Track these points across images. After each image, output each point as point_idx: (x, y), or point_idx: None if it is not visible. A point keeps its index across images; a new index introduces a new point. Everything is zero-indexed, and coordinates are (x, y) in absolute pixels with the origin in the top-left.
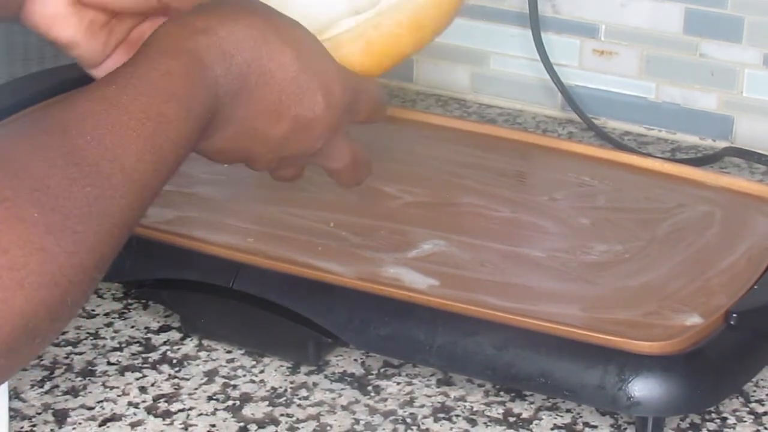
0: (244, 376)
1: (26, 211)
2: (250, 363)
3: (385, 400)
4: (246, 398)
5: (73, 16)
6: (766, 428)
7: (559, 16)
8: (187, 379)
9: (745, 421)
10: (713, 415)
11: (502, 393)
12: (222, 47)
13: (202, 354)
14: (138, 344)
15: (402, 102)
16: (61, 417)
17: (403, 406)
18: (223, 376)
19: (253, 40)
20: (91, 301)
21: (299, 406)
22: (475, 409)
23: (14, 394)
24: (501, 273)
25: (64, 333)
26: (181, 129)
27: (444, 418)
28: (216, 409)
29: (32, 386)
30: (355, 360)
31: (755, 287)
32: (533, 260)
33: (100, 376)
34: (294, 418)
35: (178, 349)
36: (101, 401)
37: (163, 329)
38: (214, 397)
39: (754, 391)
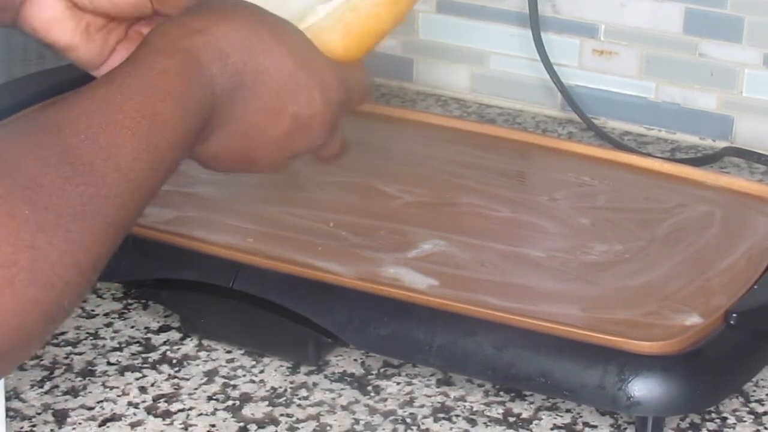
0: (244, 376)
1: (17, 209)
2: (250, 363)
3: (385, 400)
4: (246, 398)
5: (70, 19)
6: (766, 428)
7: (559, 16)
8: (187, 379)
9: (745, 421)
10: (713, 415)
11: (501, 393)
12: (218, 46)
13: (202, 354)
14: (138, 344)
15: (402, 102)
16: (60, 417)
17: (403, 406)
18: (223, 376)
19: (249, 39)
20: (90, 301)
21: (299, 406)
22: (475, 409)
23: (14, 394)
24: (501, 273)
25: (63, 333)
26: (177, 128)
27: (444, 418)
28: (216, 409)
29: (32, 386)
30: (355, 360)
31: (755, 287)
32: (533, 260)
33: (100, 376)
34: (294, 418)
35: (178, 349)
36: (101, 401)
37: (162, 329)
38: (214, 397)
39: (754, 391)
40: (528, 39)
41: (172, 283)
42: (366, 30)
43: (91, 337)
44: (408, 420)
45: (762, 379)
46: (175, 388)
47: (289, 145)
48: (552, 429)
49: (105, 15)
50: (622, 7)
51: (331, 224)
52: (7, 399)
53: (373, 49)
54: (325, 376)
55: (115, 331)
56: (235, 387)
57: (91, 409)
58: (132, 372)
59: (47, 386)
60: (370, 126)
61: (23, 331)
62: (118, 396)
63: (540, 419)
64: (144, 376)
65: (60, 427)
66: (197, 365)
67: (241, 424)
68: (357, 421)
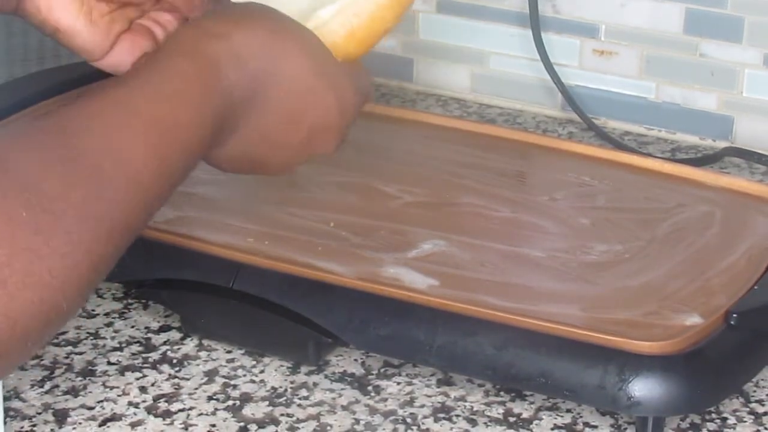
0: (245, 376)
1: (13, 211)
2: (251, 363)
3: (386, 400)
4: (246, 398)
5: (73, 1)
6: (766, 428)
7: (559, 16)
8: (188, 379)
9: (745, 421)
10: (713, 415)
11: (502, 393)
12: (237, 52)
13: (202, 354)
14: (138, 344)
15: (402, 102)
16: (61, 417)
17: (404, 406)
18: (224, 376)
19: (268, 45)
20: (91, 301)
21: (299, 406)
22: (475, 409)
23: (14, 394)
24: (501, 273)
25: (64, 333)
26: (191, 133)
27: (444, 418)
28: (216, 409)
29: (32, 386)
30: (355, 360)
31: (755, 287)
32: (533, 260)
33: (100, 376)
34: (294, 418)
35: (179, 349)
36: (101, 401)
37: (163, 329)
38: (215, 397)
39: (755, 391)
40: (528, 39)
41: (173, 283)
42: (369, 33)
43: (91, 337)
44: (408, 420)
45: (762, 380)
46: (176, 388)
47: (304, 150)
48: (552, 429)
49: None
50: (622, 7)
51: (331, 224)
52: (8, 399)
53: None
54: (326, 376)
55: (116, 331)
56: (235, 387)
57: (91, 408)
58: (132, 372)
59: (47, 386)
60: (370, 126)
61: (18, 333)
62: (119, 396)
63: (540, 419)
64: (144, 376)
65: (60, 427)
66: (197, 365)
67: (242, 424)
68: (357, 421)
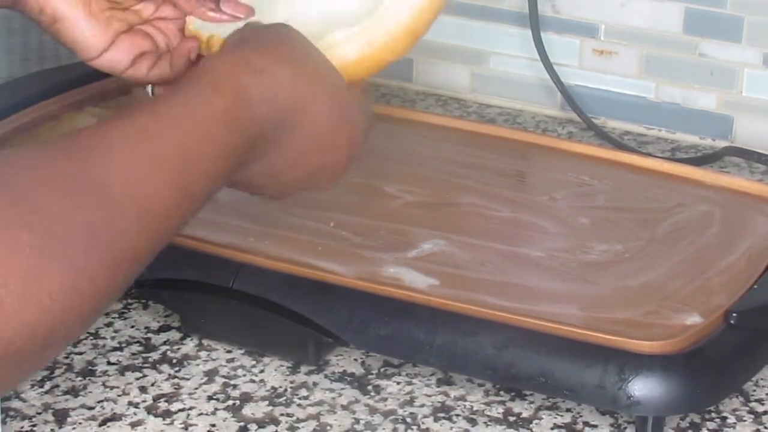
0: (244, 375)
1: (15, 232)
2: (250, 363)
3: (385, 399)
4: (246, 398)
5: None
6: (766, 427)
7: (558, 16)
8: (187, 379)
9: (744, 421)
10: (713, 415)
11: (502, 392)
12: (270, 86)
13: (202, 354)
14: (138, 344)
15: (402, 102)
16: (61, 417)
17: (403, 406)
18: (223, 376)
19: (297, 79)
20: None
21: (299, 405)
22: (475, 408)
23: (14, 394)
24: (501, 273)
25: None
26: (212, 168)
27: (444, 418)
28: (216, 409)
29: (32, 386)
30: (355, 360)
31: (755, 287)
32: (533, 260)
33: (100, 376)
34: (294, 418)
35: (178, 348)
36: (101, 401)
37: (163, 329)
38: (214, 397)
39: (754, 391)
40: (528, 39)
41: (173, 282)
42: (378, 61)
43: (91, 337)
44: (408, 419)
45: (762, 379)
46: (176, 388)
47: (307, 183)
48: (552, 428)
49: None
50: (622, 7)
51: (331, 224)
52: (7, 399)
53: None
54: (326, 376)
55: (116, 331)
56: (235, 387)
57: (91, 408)
58: (132, 372)
59: (47, 386)
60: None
61: (12, 353)
62: (119, 396)
63: (540, 419)
64: (144, 376)
65: (60, 427)
66: (197, 365)
67: (242, 423)
68: (357, 421)
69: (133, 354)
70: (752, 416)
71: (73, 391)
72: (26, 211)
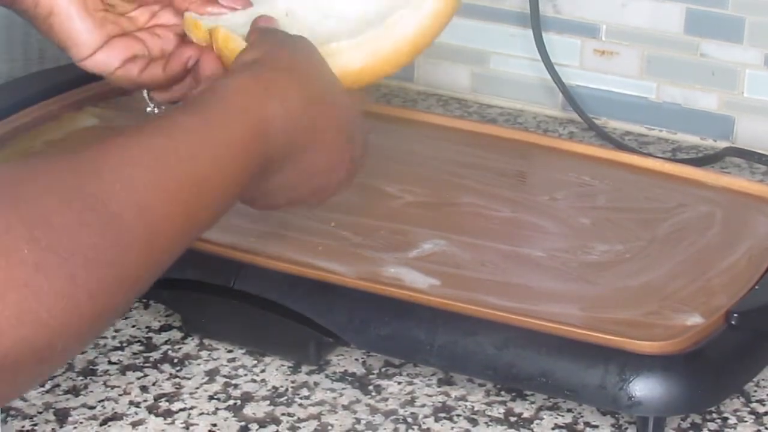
0: (245, 375)
1: (15, 245)
2: (251, 362)
3: (386, 399)
4: (247, 398)
5: None
6: (767, 428)
7: (560, 16)
8: (189, 379)
9: (746, 421)
10: (714, 415)
11: (503, 393)
12: (288, 117)
13: (203, 353)
14: (139, 343)
15: (402, 102)
16: (62, 416)
17: (404, 406)
18: (225, 376)
19: (313, 108)
20: None
21: (300, 405)
22: (476, 408)
23: None
24: (501, 273)
25: None
26: (222, 195)
27: (445, 418)
28: (217, 409)
29: None
30: (356, 359)
31: (756, 287)
32: (534, 260)
33: (101, 376)
34: (295, 418)
35: (180, 348)
36: (102, 400)
37: (164, 329)
38: (216, 397)
39: (755, 391)
40: (529, 39)
41: (174, 282)
42: (379, 72)
43: None
44: (409, 419)
45: (763, 379)
46: (177, 388)
47: (314, 197)
48: (553, 429)
49: None
50: (623, 7)
51: (332, 224)
52: None
53: None
54: (326, 376)
55: (117, 331)
56: (236, 386)
57: (92, 408)
58: (133, 371)
59: (48, 385)
60: (371, 126)
61: (8, 366)
62: (120, 395)
63: (541, 419)
64: (145, 376)
65: (61, 426)
66: (198, 365)
67: (243, 423)
68: (358, 421)
69: (134, 353)
70: (753, 417)
71: (74, 391)
72: (30, 226)
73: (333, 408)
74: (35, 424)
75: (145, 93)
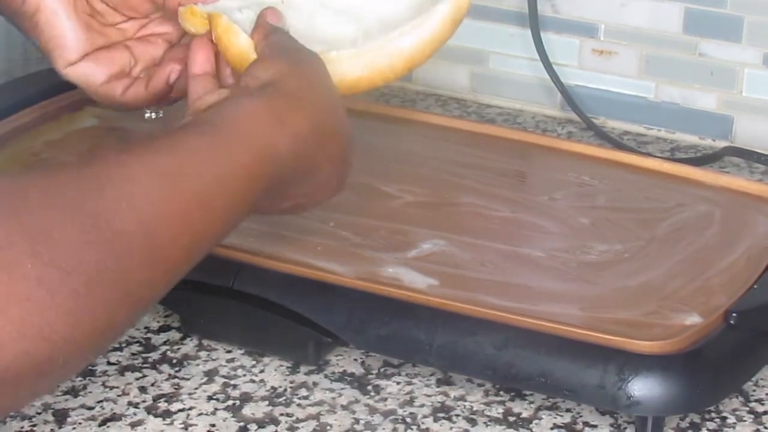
0: (244, 375)
1: (18, 260)
2: (250, 363)
3: (385, 399)
4: (246, 398)
5: None
6: (765, 428)
7: (558, 16)
8: (187, 379)
9: (744, 421)
10: (713, 415)
11: (501, 392)
12: (297, 142)
13: (202, 354)
14: (138, 344)
15: (401, 102)
16: (61, 417)
17: (403, 406)
18: (223, 376)
19: (321, 133)
20: None
21: (299, 405)
22: (475, 408)
23: None
24: (501, 273)
25: None
26: (227, 216)
27: (444, 418)
28: (216, 409)
29: None
30: (355, 360)
31: (755, 287)
32: (533, 260)
33: (100, 376)
34: (294, 418)
35: (178, 348)
36: (101, 401)
37: (163, 329)
38: (214, 397)
39: (754, 391)
40: (528, 39)
41: None
42: (375, 82)
43: None
44: (408, 419)
45: (762, 379)
46: (176, 388)
47: (309, 205)
48: (552, 428)
49: None
50: (621, 7)
51: (331, 224)
52: None
53: None
54: (325, 376)
55: None
56: (235, 387)
57: (91, 408)
58: (132, 372)
59: None
60: (370, 126)
61: (10, 379)
62: (119, 396)
63: (540, 419)
64: (144, 376)
65: (60, 427)
66: (197, 365)
67: (241, 423)
68: (357, 421)
69: (133, 354)
70: (752, 416)
71: (73, 391)
72: (32, 241)
73: (332, 408)
74: (34, 425)
75: (147, 114)
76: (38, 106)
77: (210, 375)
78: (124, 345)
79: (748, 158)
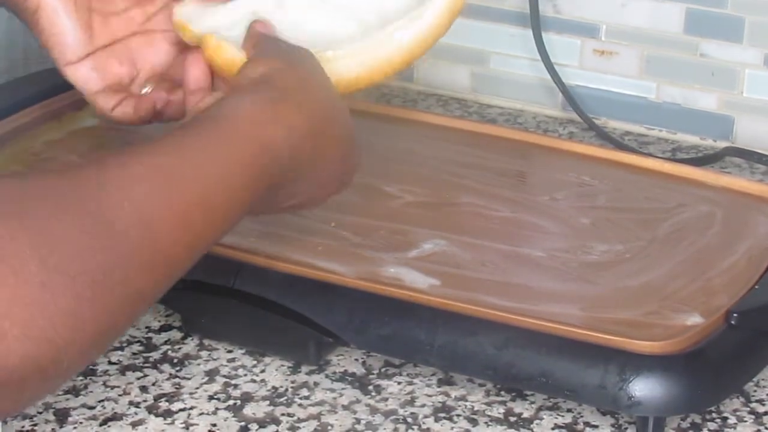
0: (245, 375)
1: (22, 265)
2: (251, 362)
3: (386, 399)
4: (247, 398)
5: None
6: (766, 428)
7: (559, 16)
8: (188, 379)
9: (745, 421)
10: (714, 415)
11: (502, 393)
12: (295, 136)
13: (203, 353)
14: (139, 344)
15: (402, 102)
16: (62, 416)
17: (404, 406)
18: (224, 376)
19: (319, 128)
20: None
21: (300, 405)
22: (476, 408)
23: None
24: (501, 273)
25: None
26: (226, 215)
27: (445, 418)
28: (217, 409)
29: None
30: (356, 360)
31: (756, 287)
32: (534, 260)
33: (101, 376)
34: (295, 418)
35: (179, 348)
36: (102, 400)
37: (164, 329)
38: (215, 397)
39: (755, 391)
40: (529, 39)
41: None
42: (374, 79)
43: None
44: (409, 419)
45: (763, 379)
46: (177, 388)
47: (290, 210)
48: (553, 429)
49: None
50: (622, 7)
51: (332, 224)
52: None
53: None
54: (326, 376)
55: None
56: (236, 386)
57: (92, 408)
58: (133, 371)
59: None
60: (371, 126)
61: (15, 382)
62: (120, 395)
63: (541, 419)
64: (145, 376)
65: (61, 426)
66: (198, 365)
67: (242, 423)
68: (358, 421)
69: (134, 353)
70: (753, 417)
71: (74, 391)
72: (37, 244)
73: (333, 408)
74: (35, 424)
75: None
76: (38, 106)
77: (211, 375)
78: (125, 344)
79: (749, 158)
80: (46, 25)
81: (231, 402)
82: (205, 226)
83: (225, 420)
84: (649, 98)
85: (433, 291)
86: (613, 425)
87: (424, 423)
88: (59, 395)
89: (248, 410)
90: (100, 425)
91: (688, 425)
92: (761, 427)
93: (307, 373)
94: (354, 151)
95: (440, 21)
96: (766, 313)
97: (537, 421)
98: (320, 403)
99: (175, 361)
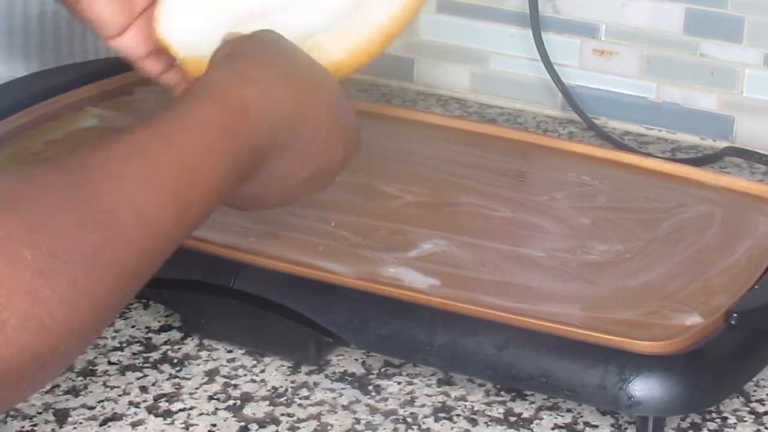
0: (245, 375)
1: (18, 252)
2: (251, 363)
3: (386, 399)
4: (247, 398)
5: None
6: (766, 428)
7: (559, 16)
8: (188, 379)
9: (745, 421)
10: (714, 415)
11: (502, 393)
12: (268, 98)
13: (203, 354)
14: (139, 344)
15: (402, 102)
16: (61, 416)
17: (404, 406)
18: (224, 376)
19: (294, 90)
20: None
21: (300, 405)
22: (475, 408)
23: None
24: (501, 273)
25: None
26: (212, 183)
27: (445, 418)
28: (217, 409)
29: None
30: (356, 360)
31: (755, 287)
32: (533, 260)
33: (100, 376)
34: (295, 418)
35: (179, 348)
36: (102, 401)
37: (163, 329)
38: (215, 397)
39: (755, 391)
40: (528, 39)
41: (173, 282)
42: (358, 63)
43: None
44: (409, 419)
45: (763, 379)
46: (176, 388)
47: (305, 189)
48: (553, 429)
49: None
50: (622, 7)
51: (332, 224)
52: None
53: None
54: (326, 376)
55: (116, 331)
56: (236, 386)
57: (92, 408)
58: (133, 371)
59: (48, 386)
60: (371, 126)
61: (13, 374)
62: (119, 395)
63: (541, 419)
64: (145, 376)
65: (61, 427)
66: (198, 365)
67: (242, 423)
68: (358, 421)
69: (134, 354)
70: (753, 416)
71: (74, 391)
72: (30, 231)
73: (333, 408)
74: (35, 425)
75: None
76: (38, 106)
77: (211, 375)
78: (125, 345)
79: (748, 158)
80: (86, 14)
81: (231, 402)
82: (190, 195)
83: (225, 420)
84: (648, 98)
85: (432, 291)
86: (612, 425)
87: (423, 423)
88: (59, 395)
89: (248, 410)
90: (100, 425)
91: (688, 425)
92: (761, 427)
93: (307, 373)
94: (351, 117)
95: None
96: (766, 313)
97: (537, 421)
98: (320, 403)
99: (175, 361)
